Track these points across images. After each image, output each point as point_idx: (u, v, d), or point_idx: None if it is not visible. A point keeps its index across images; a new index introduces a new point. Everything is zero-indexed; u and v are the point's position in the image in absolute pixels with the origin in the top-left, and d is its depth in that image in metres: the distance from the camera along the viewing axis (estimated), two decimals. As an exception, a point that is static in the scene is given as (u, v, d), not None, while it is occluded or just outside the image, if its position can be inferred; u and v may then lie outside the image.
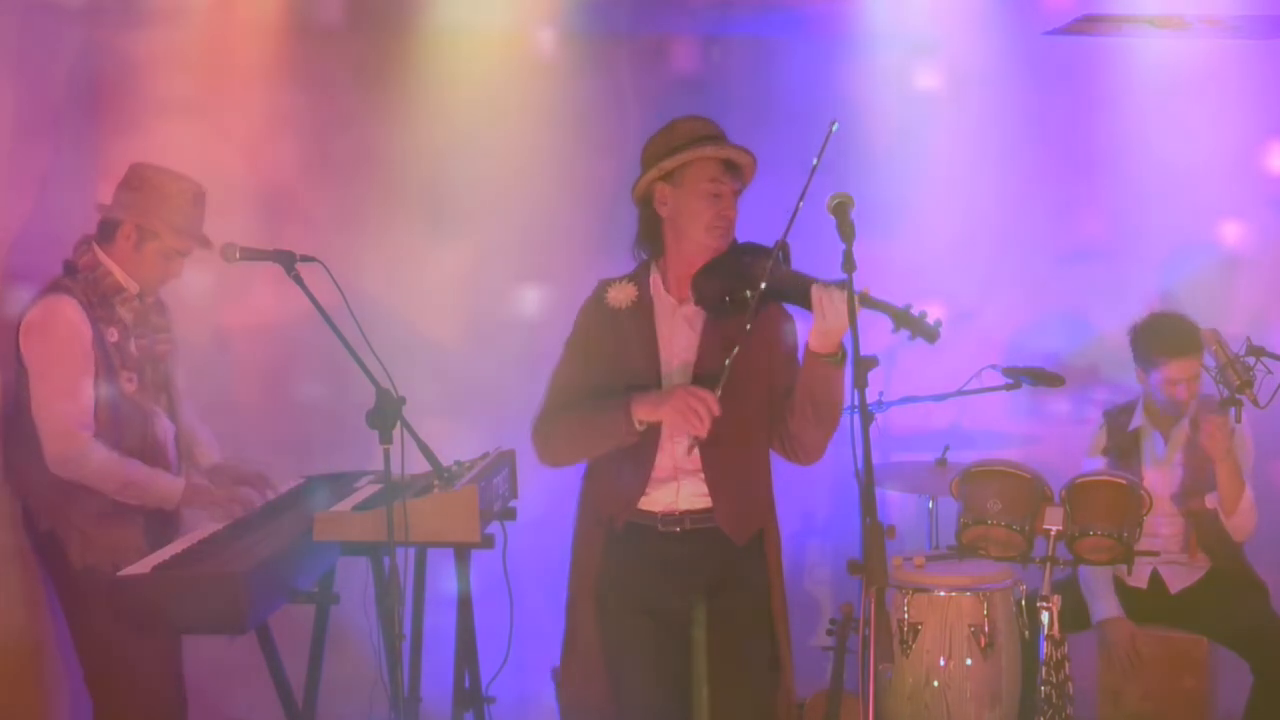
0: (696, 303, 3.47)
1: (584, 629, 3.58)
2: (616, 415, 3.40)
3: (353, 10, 4.82)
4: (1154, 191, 5.31)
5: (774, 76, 5.26)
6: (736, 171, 3.51)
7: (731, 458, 3.48)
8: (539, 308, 5.02)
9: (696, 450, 3.41)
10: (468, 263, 5.17)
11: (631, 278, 3.59)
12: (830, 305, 3.21)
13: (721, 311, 3.42)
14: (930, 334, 3.24)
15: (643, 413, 3.38)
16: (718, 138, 3.51)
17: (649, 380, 3.48)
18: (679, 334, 3.51)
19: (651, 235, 3.57)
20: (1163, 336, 4.61)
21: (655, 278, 3.57)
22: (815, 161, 3.26)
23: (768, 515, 3.59)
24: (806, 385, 3.40)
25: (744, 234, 3.50)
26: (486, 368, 5.09)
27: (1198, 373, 4.58)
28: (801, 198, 3.28)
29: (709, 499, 3.48)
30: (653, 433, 3.46)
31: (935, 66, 5.32)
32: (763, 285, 3.31)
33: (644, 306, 3.54)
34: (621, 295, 3.55)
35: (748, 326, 3.31)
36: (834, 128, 3.22)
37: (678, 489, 3.47)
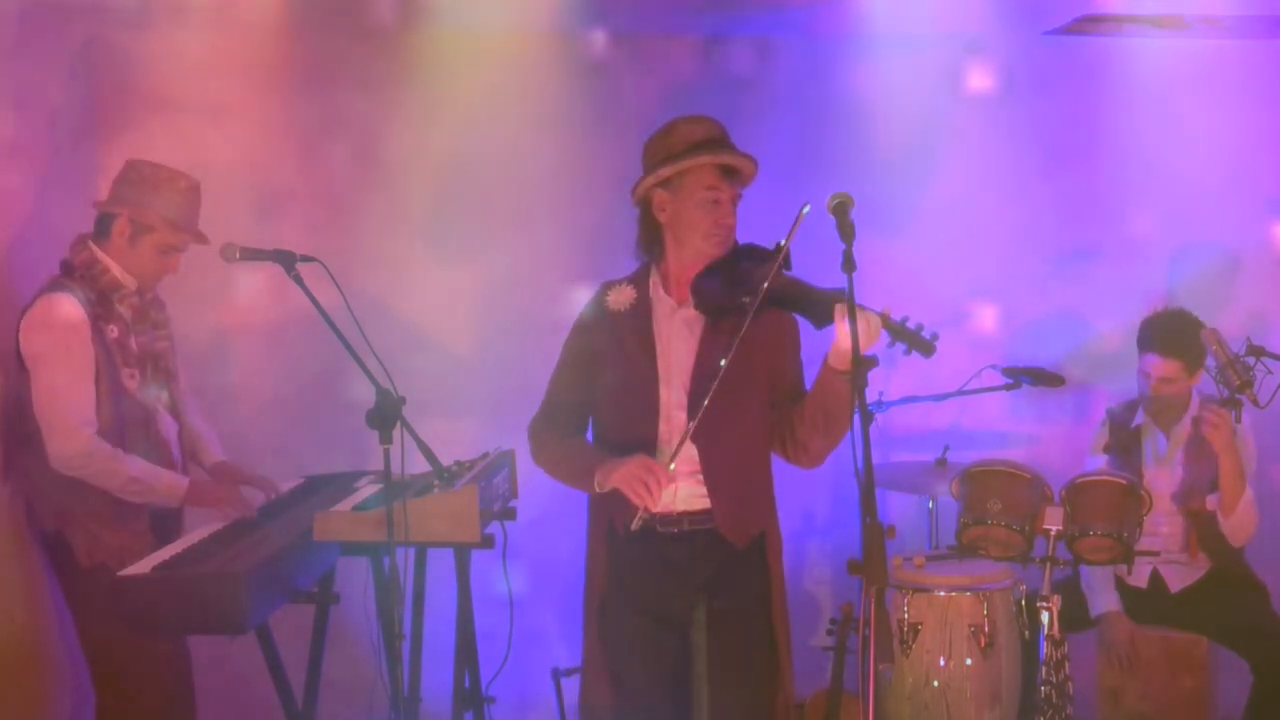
0: (696, 307, 3.47)
1: (589, 631, 3.58)
2: (585, 474, 3.46)
3: (362, 11, 4.82)
4: (1154, 191, 5.31)
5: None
6: (736, 176, 3.49)
7: (731, 460, 3.48)
8: (542, 308, 5.02)
9: (696, 451, 3.41)
10: (469, 262, 5.17)
11: (631, 280, 3.59)
12: (860, 324, 3.19)
13: (720, 316, 3.42)
14: (926, 348, 3.27)
15: (601, 477, 3.42)
16: (716, 142, 3.49)
17: (647, 382, 3.48)
18: (678, 337, 3.51)
19: (651, 239, 3.57)
20: (1155, 330, 4.61)
21: (655, 280, 3.57)
22: (784, 243, 3.31)
23: (768, 517, 3.58)
24: (820, 398, 3.40)
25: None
26: (488, 368, 5.09)
27: (1173, 376, 4.56)
28: (788, 239, 3.31)
29: (708, 500, 3.48)
30: (649, 437, 3.46)
31: (949, 69, 5.31)
32: (760, 292, 3.31)
33: (643, 309, 3.54)
34: (621, 297, 3.55)
35: (740, 333, 3.31)
36: (805, 210, 3.24)
37: (675, 491, 3.47)
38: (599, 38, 5.13)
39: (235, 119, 4.92)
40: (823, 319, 3.34)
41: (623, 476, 3.35)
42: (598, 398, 3.55)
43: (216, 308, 4.91)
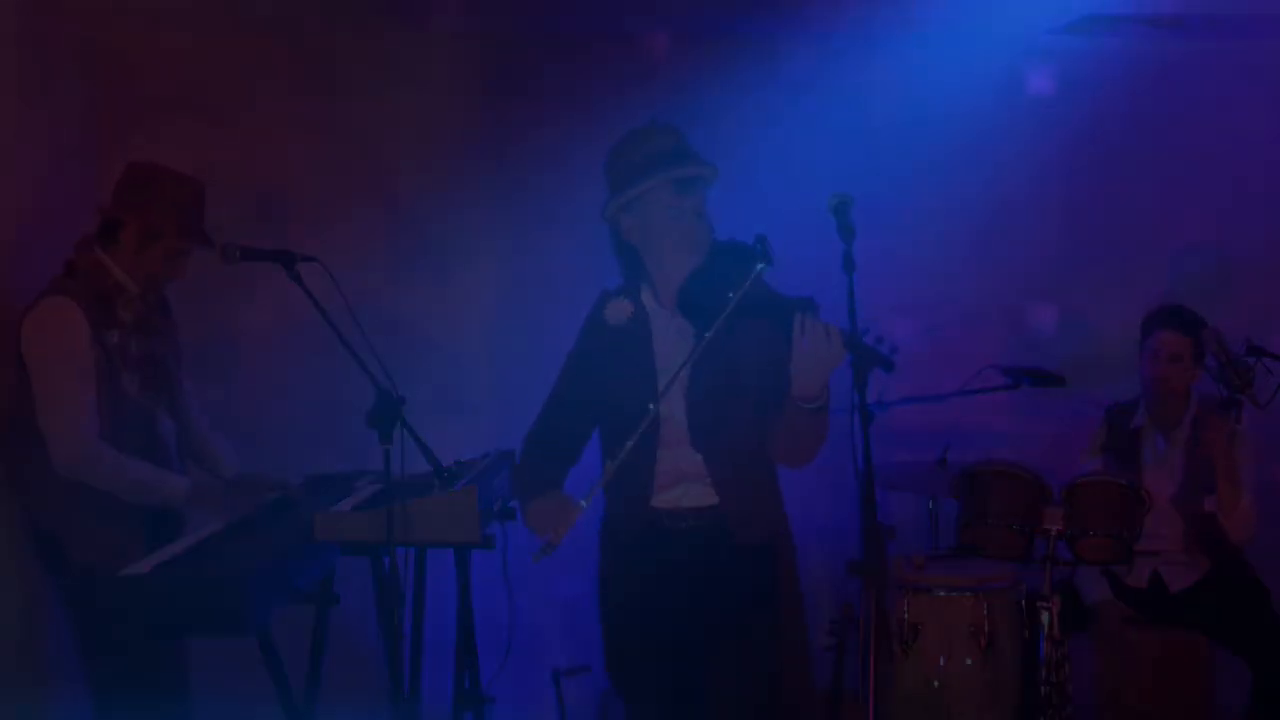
0: (683, 314, 3.41)
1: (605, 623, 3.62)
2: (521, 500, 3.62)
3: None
4: (1155, 191, 5.32)
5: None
6: (696, 182, 3.45)
7: (735, 460, 3.47)
8: (545, 308, 5.02)
9: (700, 457, 3.42)
10: (471, 263, 5.17)
11: (628, 291, 3.58)
12: (813, 340, 3.13)
13: (705, 323, 3.36)
14: (886, 364, 3.14)
15: (526, 519, 3.58)
16: (666, 156, 3.44)
17: (644, 393, 3.42)
18: (674, 345, 3.47)
19: (627, 260, 3.55)
20: (1160, 311, 4.69)
21: (647, 292, 3.56)
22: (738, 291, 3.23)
23: (777, 515, 3.59)
24: (787, 427, 3.34)
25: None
26: (489, 368, 5.09)
27: (1182, 353, 4.60)
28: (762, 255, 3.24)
29: (715, 497, 3.47)
30: (649, 446, 3.42)
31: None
32: (734, 298, 3.25)
33: (640, 320, 3.53)
34: (618, 311, 3.54)
35: (707, 334, 3.26)
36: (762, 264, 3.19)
37: (685, 491, 3.47)
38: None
39: (236, 118, 4.92)
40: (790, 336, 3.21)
41: (529, 518, 3.54)
42: (601, 410, 3.55)
43: (217, 307, 4.91)
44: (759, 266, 3.23)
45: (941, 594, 4.40)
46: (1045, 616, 4.19)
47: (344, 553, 3.88)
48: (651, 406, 3.30)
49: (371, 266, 4.91)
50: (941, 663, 4.35)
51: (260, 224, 4.79)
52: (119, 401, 3.90)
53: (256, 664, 4.06)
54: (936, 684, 4.35)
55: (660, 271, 3.51)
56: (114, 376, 3.90)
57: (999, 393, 5.12)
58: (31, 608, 4.17)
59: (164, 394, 4.08)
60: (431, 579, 3.98)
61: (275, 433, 4.87)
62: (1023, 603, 4.39)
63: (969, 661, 4.34)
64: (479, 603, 4.08)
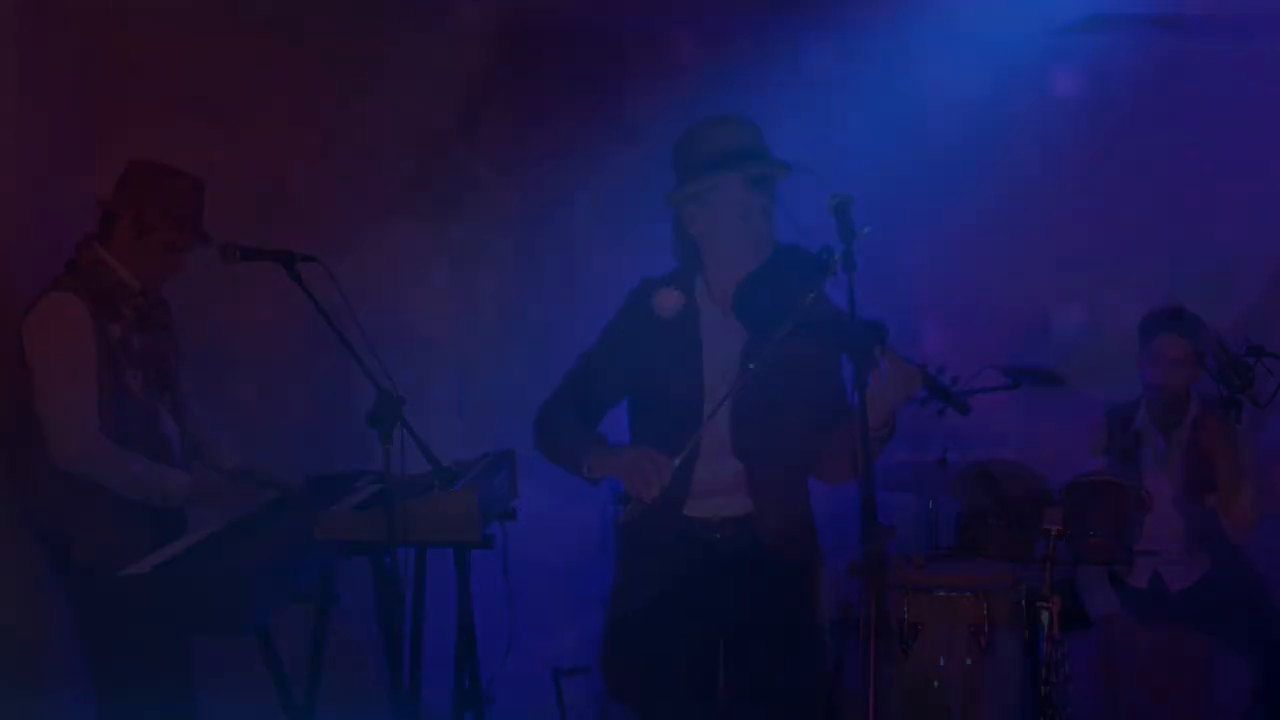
0: (738, 317, 3.37)
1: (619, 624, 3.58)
2: (579, 459, 3.38)
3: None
4: (1155, 191, 5.32)
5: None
6: (767, 180, 3.40)
7: (778, 470, 3.44)
8: (546, 309, 5.03)
9: (741, 468, 3.39)
10: (469, 261, 5.17)
11: (678, 282, 3.50)
12: (892, 373, 3.10)
13: (761, 331, 3.29)
14: (962, 406, 3.20)
15: (598, 468, 3.36)
16: (744, 152, 3.39)
17: (690, 389, 3.41)
18: (723, 345, 3.42)
19: (687, 250, 3.50)
20: (1161, 314, 4.69)
21: (700, 287, 3.49)
22: (836, 256, 3.13)
23: (810, 530, 3.55)
24: (845, 448, 3.26)
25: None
26: (489, 368, 5.09)
27: (1183, 357, 4.60)
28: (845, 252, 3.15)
29: (747, 507, 3.44)
30: (690, 451, 3.34)
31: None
32: (794, 320, 3.20)
33: (691, 315, 3.47)
34: (668, 302, 3.47)
35: (751, 365, 3.24)
36: (865, 232, 3.09)
37: (725, 501, 3.44)
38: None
39: (236, 118, 4.92)
40: (859, 361, 3.14)
41: (625, 467, 3.27)
42: (639, 404, 3.51)
43: (217, 307, 4.91)
44: (823, 279, 3.18)
45: (941, 594, 4.40)
46: (1045, 616, 4.19)
47: (344, 553, 3.87)
48: (706, 407, 3.30)
49: (372, 266, 4.91)
50: (941, 663, 4.35)
51: (260, 224, 4.79)
52: (122, 398, 3.90)
53: (256, 664, 4.07)
54: (936, 684, 4.35)
55: (718, 268, 3.45)
56: (117, 373, 3.90)
57: (999, 393, 5.12)
58: (32, 608, 4.18)
59: (166, 391, 4.08)
60: (431, 579, 3.99)
61: (275, 433, 4.88)
62: (1023, 603, 4.40)
63: (969, 661, 4.34)
64: (479, 603, 4.08)
